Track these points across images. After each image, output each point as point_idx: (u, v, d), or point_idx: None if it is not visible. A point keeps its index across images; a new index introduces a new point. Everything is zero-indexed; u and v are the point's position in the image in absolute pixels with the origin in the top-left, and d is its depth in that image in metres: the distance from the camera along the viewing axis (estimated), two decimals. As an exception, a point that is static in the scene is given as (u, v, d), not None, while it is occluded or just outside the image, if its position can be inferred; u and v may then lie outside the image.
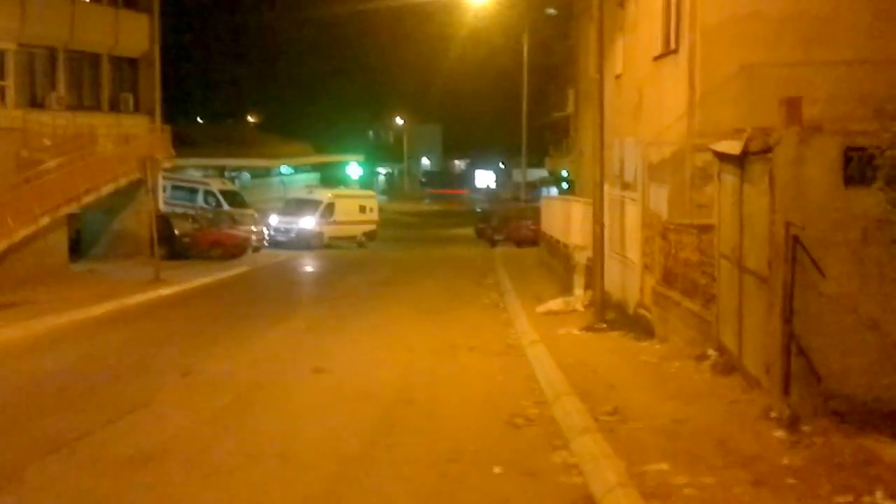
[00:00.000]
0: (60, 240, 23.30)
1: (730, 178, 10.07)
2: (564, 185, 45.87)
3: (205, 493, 6.98)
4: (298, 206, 36.37)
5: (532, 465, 7.56)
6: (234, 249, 28.87)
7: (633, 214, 14.54)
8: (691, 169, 12.33)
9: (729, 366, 9.78)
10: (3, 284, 19.73)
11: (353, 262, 30.82)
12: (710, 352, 10.44)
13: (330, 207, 36.11)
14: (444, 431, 8.74)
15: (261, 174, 55.21)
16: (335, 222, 36.25)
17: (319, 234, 35.53)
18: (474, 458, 7.79)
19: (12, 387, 11.02)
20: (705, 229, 11.18)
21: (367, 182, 68.48)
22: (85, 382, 11.21)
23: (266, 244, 32.69)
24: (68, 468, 7.55)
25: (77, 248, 26.12)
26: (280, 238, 34.79)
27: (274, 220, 36.01)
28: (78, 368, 12.26)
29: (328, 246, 35.03)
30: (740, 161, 9.46)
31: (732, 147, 9.52)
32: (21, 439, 8.48)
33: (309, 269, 28.17)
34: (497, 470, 7.41)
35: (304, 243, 34.53)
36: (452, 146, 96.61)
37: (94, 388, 10.84)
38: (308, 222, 35.38)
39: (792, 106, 8.29)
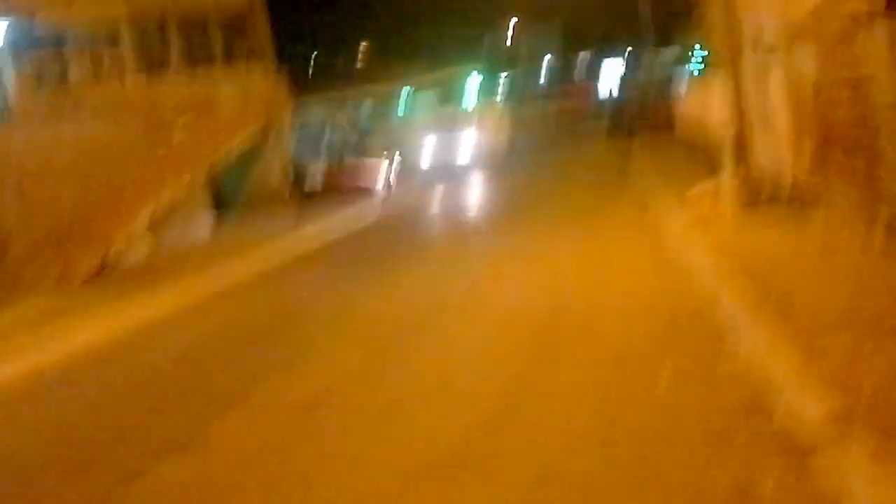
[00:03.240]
0: (202, 203, 24.02)
1: (882, 20, 9.10)
2: (700, 61, 43.51)
3: (378, 428, 7.04)
4: (450, 126, 35.37)
5: (701, 363, 7.20)
6: (367, 183, 29.00)
7: (777, 79, 13.52)
8: (838, 19, 11.22)
9: (906, 222, 9.00)
10: (155, 255, 20.68)
11: (488, 179, 30.48)
12: (883, 210, 9.63)
13: (480, 121, 35.47)
14: (602, 342, 8.46)
15: (382, 101, 55.21)
16: (485, 136, 35.58)
17: (481, 151, 34.80)
18: (639, 365, 7.51)
19: (181, 352, 11.45)
20: (861, 81, 10.21)
21: (487, 91, 67.41)
22: (246, 338, 11.60)
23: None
24: (246, 421, 7.78)
25: (220, 207, 26.64)
26: (445, 161, 34.00)
27: (431, 142, 35.12)
28: (238, 326, 12.64)
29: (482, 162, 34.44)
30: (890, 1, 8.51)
31: (882, -14, 8.58)
32: (198, 399, 8.81)
33: (443, 194, 27.99)
34: (665, 374, 7.10)
35: (469, 162, 33.86)
36: (573, 39, 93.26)
37: (254, 342, 11.17)
38: (470, 140, 34.67)
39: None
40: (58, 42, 23.54)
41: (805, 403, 5.66)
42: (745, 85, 14.08)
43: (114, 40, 24.90)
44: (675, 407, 6.40)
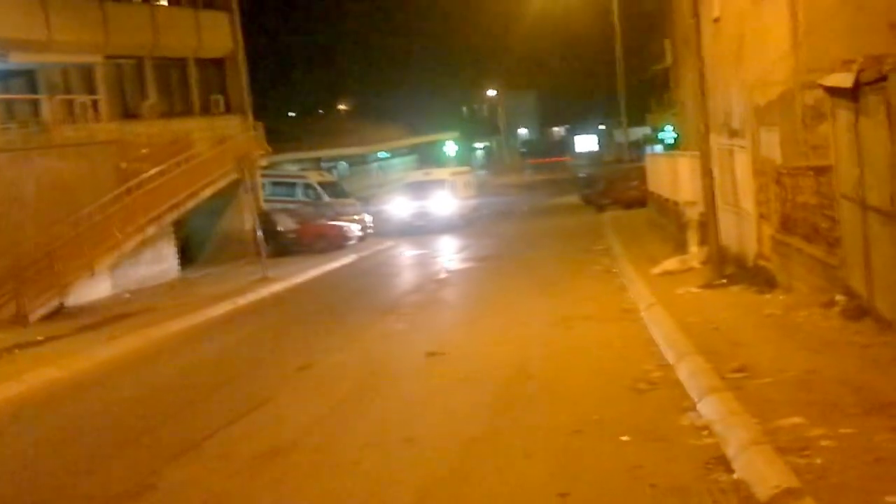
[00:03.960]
0: (169, 247, 23.88)
1: (844, 113, 9.54)
2: (669, 141, 44.62)
3: (334, 483, 7.05)
4: (424, 189, 35.64)
5: (660, 429, 7.36)
6: (338, 240, 29.09)
7: (743, 162, 14.00)
8: (801, 108, 11.70)
9: (859, 310, 9.30)
10: (118, 296, 20.51)
11: (459, 240, 30.69)
12: (838, 297, 9.95)
13: (452, 186, 35.96)
14: (565, 404, 8.60)
15: (357, 162, 55.63)
16: (457, 200, 36.07)
17: (452, 214, 35.15)
18: (599, 427, 7.64)
19: (138, 395, 11.42)
20: (822, 170, 10.64)
21: (463, 159, 68.22)
22: (207, 384, 11.57)
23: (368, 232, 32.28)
24: (199, 470, 7.72)
25: (186, 254, 26.55)
26: (417, 223, 34.27)
27: (405, 207, 35.44)
28: (199, 371, 12.66)
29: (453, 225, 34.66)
30: (853, 94, 8.95)
31: (843, 80, 9.02)
32: (151, 445, 8.75)
33: (415, 251, 28.09)
34: (624, 438, 7.24)
35: (441, 224, 34.12)
36: (549, 113, 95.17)
37: (217, 389, 11.16)
38: (442, 203, 35.05)
39: (905, 29, 7.76)
40: (31, 77, 23.52)
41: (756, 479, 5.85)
42: (713, 166, 14.50)
43: (89, 82, 24.91)
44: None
